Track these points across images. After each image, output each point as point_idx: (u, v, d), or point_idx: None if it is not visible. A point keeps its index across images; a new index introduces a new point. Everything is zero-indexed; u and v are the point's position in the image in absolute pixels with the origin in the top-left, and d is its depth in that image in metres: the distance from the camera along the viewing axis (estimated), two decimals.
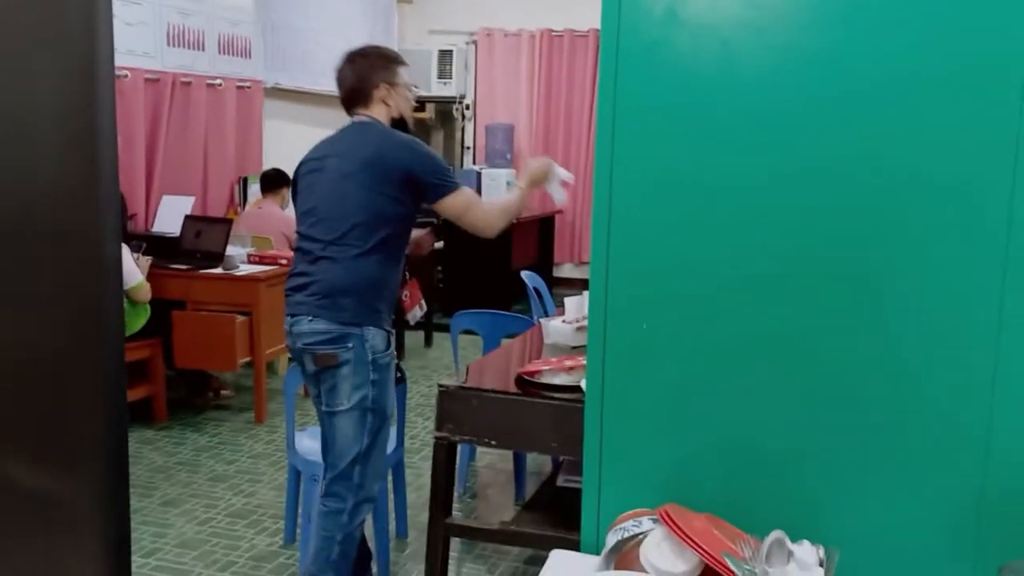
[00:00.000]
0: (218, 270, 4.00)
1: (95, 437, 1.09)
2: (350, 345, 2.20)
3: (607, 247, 1.30)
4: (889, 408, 1.22)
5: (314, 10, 6.05)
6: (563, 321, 2.74)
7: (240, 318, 3.92)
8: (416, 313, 2.63)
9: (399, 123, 2.42)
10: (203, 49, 5.16)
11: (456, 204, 2.34)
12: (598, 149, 1.29)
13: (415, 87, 2.50)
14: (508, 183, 7.05)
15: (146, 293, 3.64)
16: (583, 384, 2.11)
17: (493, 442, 2.24)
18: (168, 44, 4.88)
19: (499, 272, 6.39)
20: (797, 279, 1.24)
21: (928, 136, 1.15)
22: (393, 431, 2.80)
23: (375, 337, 2.24)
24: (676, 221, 1.27)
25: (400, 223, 2.30)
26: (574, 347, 2.61)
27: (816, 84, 1.18)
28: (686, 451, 1.34)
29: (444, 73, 7.44)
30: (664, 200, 1.27)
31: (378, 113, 2.38)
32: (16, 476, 1.07)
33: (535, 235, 7.21)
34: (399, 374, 2.53)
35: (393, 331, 2.37)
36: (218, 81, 5.18)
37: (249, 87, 5.47)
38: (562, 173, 2.53)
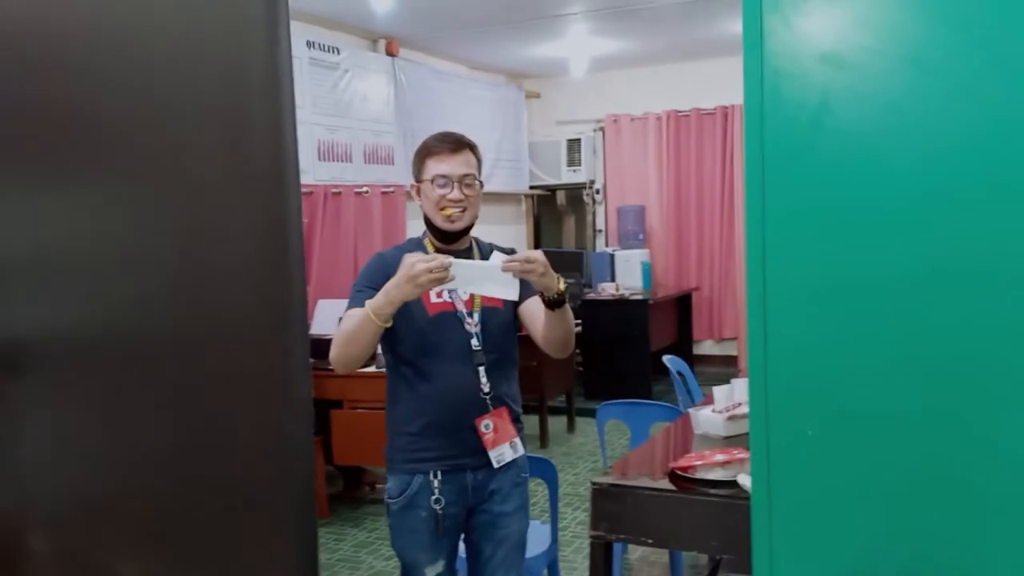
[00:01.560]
0: (372, 369, 4.20)
1: (288, 567, 1.17)
2: None
3: (764, 358, 1.30)
4: None
5: (450, 114, 6.40)
6: (712, 410, 2.70)
7: None
8: (504, 453, 2.02)
9: (429, 225, 2.11)
10: (350, 160, 5.55)
11: None
12: (749, 256, 1.31)
13: (445, 179, 2.02)
14: (643, 263, 7.08)
15: None
16: (740, 479, 2.08)
17: (650, 541, 2.21)
18: (319, 159, 5.29)
19: (638, 352, 6.35)
20: (967, 378, 1.20)
21: None
22: (547, 528, 2.81)
23: (390, 480, 2.10)
24: (832, 327, 1.26)
25: (386, 351, 2.08)
26: (726, 437, 2.56)
27: (966, 184, 1.17)
28: (862, 553, 1.30)
29: (573, 161, 7.65)
30: (819, 308, 1.27)
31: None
32: None
33: (673, 313, 7.15)
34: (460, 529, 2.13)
35: (419, 475, 2.02)
36: (364, 189, 5.54)
37: (392, 192, 5.82)
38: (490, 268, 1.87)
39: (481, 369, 2.03)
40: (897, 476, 1.26)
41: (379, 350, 4.21)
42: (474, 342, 2.03)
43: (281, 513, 1.13)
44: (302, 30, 5.16)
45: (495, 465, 2.02)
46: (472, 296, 2.06)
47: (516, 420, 2.13)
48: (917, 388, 1.23)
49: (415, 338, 2.02)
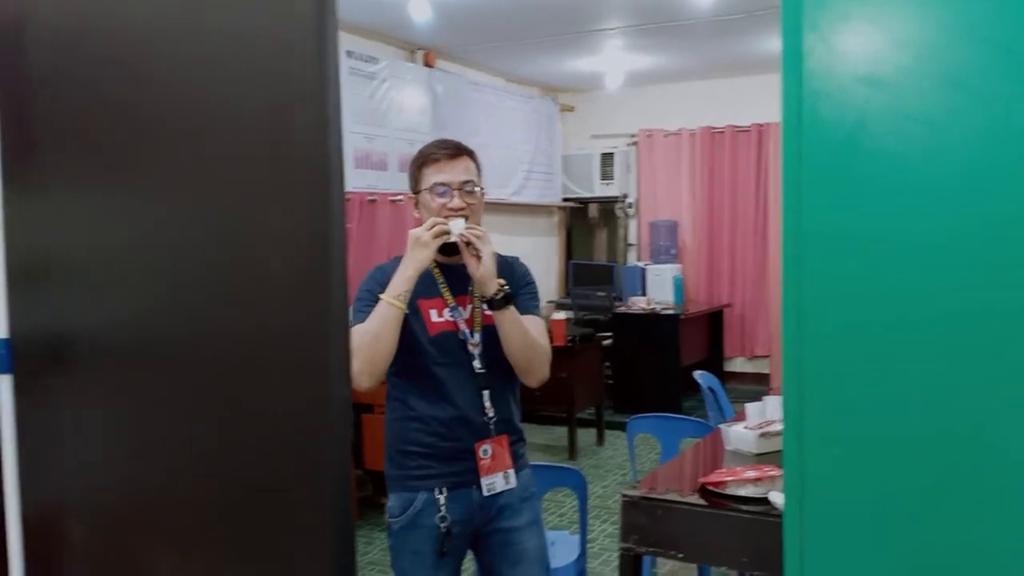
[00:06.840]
0: None
1: (324, 563, 1.19)
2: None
3: (799, 376, 1.31)
4: None
5: (484, 125, 6.45)
6: (745, 427, 2.69)
7: None
8: (495, 483, 1.98)
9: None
10: (386, 169, 5.62)
11: None
12: (785, 274, 1.32)
13: (444, 187, 1.97)
14: (674, 278, 7.06)
15: None
16: (772, 497, 2.08)
17: (680, 555, 2.21)
18: (356, 167, 5.36)
19: (668, 367, 6.33)
20: (1006, 402, 1.20)
21: None
22: (576, 539, 2.82)
23: (391, 498, 2.00)
24: (868, 346, 1.27)
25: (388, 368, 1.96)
26: (757, 454, 2.55)
27: (1005, 207, 1.16)
28: (894, 574, 1.30)
29: (607, 174, 7.66)
30: (855, 327, 1.27)
31: None
32: None
33: (705, 329, 7.11)
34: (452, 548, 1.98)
35: (418, 492, 1.94)
36: (399, 197, 5.60)
37: None
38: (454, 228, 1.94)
39: (485, 393, 1.97)
40: (931, 496, 1.26)
41: None
42: (476, 364, 1.97)
43: (318, 511, 1.16)
44: (342, 39, 5.21)
45: (484, 493, 1.96)
46: (472, 314, 2.01)
47: (517, 441, 2.07)
48: (955, 410, 1.23)
49: (416, 357, 1.95)
